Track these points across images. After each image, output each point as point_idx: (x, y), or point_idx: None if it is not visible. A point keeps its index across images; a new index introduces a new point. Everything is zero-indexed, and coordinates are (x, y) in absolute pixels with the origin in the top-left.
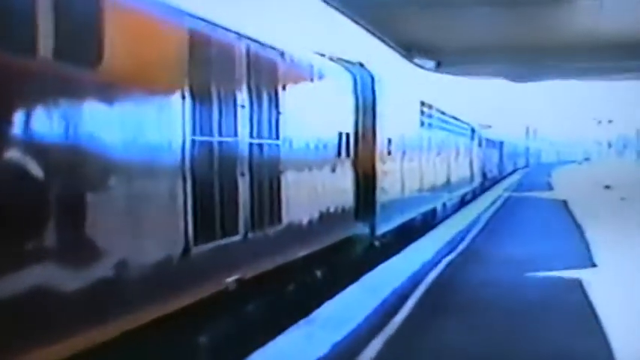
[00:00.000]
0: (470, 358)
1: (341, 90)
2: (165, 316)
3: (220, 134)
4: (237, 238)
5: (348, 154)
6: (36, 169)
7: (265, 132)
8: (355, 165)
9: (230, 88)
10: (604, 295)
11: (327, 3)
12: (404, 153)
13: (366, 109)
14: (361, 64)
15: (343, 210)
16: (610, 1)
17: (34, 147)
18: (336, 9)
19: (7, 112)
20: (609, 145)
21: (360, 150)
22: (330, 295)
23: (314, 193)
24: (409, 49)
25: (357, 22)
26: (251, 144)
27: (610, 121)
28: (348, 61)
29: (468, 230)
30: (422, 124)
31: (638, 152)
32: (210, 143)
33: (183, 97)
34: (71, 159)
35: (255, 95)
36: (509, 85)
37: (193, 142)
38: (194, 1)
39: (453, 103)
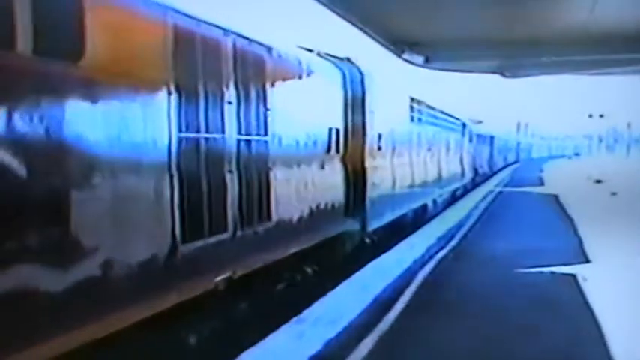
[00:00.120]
0: (461, 355)
1: (330, 86)
2: (152, 316)
3: (207, 131)
4: (225, 236)
5: (337, 150)
6: (16, 168)
7: (253, 128)
8: (345, 161)
9: (217, 84)
10: (598, 291)
11: None
12: (394, 149)
13: (356, 104)
14: (350, 60)
15: (333, 207)
16: None
17: (13, 145)
18: (324, 5)
19: None
20: (600, 140)
21: (350, 146)
22: (321, 292)
23: (303, 189)
24: (397, 45)
25: (345, 18)
26: (239, 141)
27: (601, 116)
28: (336, 57)
29: (459, 226)
30: (412, 119)
31: (628, 147)
32: (197, 140)
33: (169, 94)
34: (52, 157)
35: (242, 91)
36: (500, 80)
37: (179, 139)
38: None
39: (443, 98)
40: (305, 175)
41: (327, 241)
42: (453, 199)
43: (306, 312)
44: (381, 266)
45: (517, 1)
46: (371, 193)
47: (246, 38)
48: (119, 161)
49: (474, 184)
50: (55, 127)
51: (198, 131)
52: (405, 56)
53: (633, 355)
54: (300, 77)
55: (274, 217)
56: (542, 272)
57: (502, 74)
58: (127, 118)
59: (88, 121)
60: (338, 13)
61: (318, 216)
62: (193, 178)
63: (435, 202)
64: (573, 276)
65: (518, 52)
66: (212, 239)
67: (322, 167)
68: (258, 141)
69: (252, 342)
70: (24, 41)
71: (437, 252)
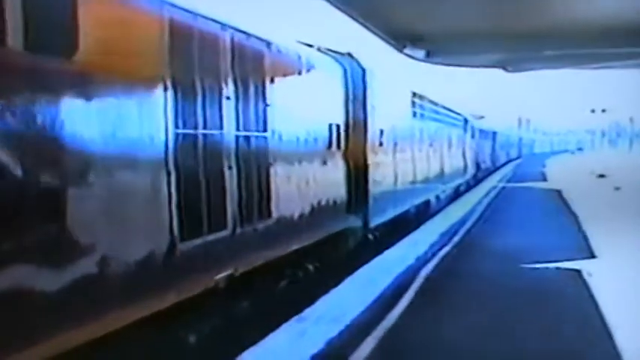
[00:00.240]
0: (462, 355)
1: (330, 81)
2: (152, 315)
3: (205, 127)
4: (225, 233)
5: (338, 146)
6: (9, 165)
7: (252, 124)
8: (346, 157)
9: (214, 79)
10: (605, 286)
11: None
12: (396, 144)
13: (357, 100)
14: (350, 55)
15: (335, 203)
16: None
17: (4, 142)
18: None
19: None
20: (603, 134)
21: (352, 142)
22: (324, 290)
23: (304, 186)
24: (398, 39)
25: (346, 13)
26: (237, 136)
27: (603, 110)
28: (337, 52)
29: (462, 222)
30: (414, 115)
31: (631, 141)
32: (195, 136)
33: (165, 89)
34: (46, 155)
35: (241, 87)
36: (502, 75)
37: (177, 135)
38: None
39: (445, 93)
40: (306, 172)
41: (329, 237)
42: (456, 194)
43: (308, 310)
44: (384, 263)
45: None
46: (373, 189)
47: (245, 33)
48: (114, 158)
49: (477, 180)
50: (48, 124)
51: (195, 127)
52: (406, 51)
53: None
54: (300, 72)
55: (275, 214)
56: (547, 268)
57: (504, 68)
58: (122, 114)
59: (81, 118)
60: (339, 8)
61: (319, 213)
62: (191, 174)
63: (437, 197)
64: (578, 271)
65: (520, 46)
66: (211, 237)
67: (323, 163)
68: (257, 137)
69: (254, 341)
70: (14, 36)
71: (440, 249)
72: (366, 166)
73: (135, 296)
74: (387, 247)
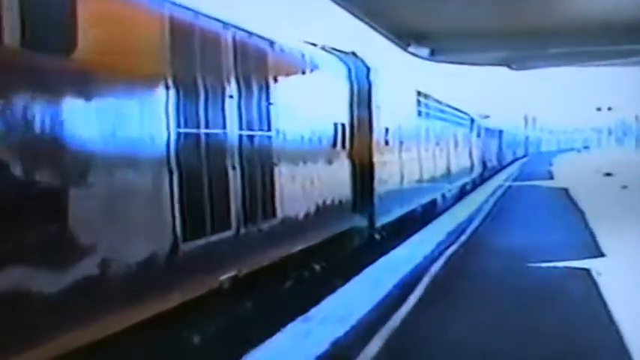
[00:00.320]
0: (469, 356)
1: (335, 80)
2: (155, 316)
3: (207, 126)
4: (229, 233)
5: (343, 145)
6: (5, 165)
7: (256, 123)
8: (352, 156)
9: (217, 78)
10: (614, 285)
11: None
12: (402, 143)
13: (362, 99)
14: (355, 54)
15: (340, 203)
16: None
17: (2, 141)
18: None
19: None
20: (609, 133)
21: (357, 141)
22: (330, 290)
23: (309, 185)
24: (403, 38)
25: (350, 12)
26: (241, 136)
27: (610, 109)
28: (341, 51)
29: (469, 221)
30: (419, 114)
31: (637, 139)
32: (198, 135)
33: (167, 88)
34: (44, 154)
35: (244, 85)
36: (507, 74)
37: (179, 134)
38: None
39: (450, 92)
40: (311, 171)
41: (335, 237)
42: (462, 193)
43: (313, 310)
44: (390, 263)
45: None
46: (378, 188)
47: (247, 31)
48: (114, 158)
49: (483, 179)
50: (45, 123)
51: (198, 126)
52: (411, 49)
53: None
54: (304, 71)
55: (279, 214)
56: (555, 267)
57: (509, 66)
58: (122, 113)
59: (80, 117)
60: (343, 7)
61: (324, 212)
62: (194, 174)
63: (444, 196)
64: (587, 270)
65: (524, 44)
66: (215, 237)
67: (328, 163)
68: (261, 136)
69: (258, 342)
70: (11, 33)
71: (447, 248)
72: (371, 165)
73: (136, 298)
74: (394, 247)
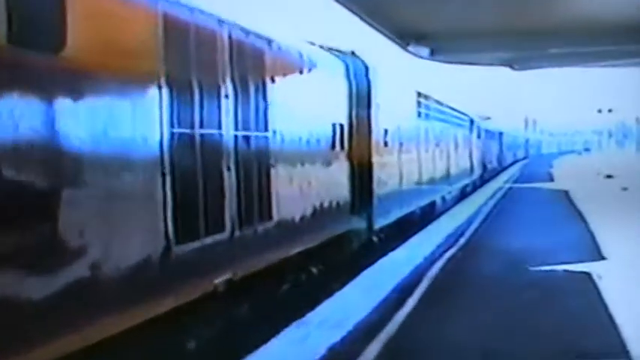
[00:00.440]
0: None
1: (334, 80)
2: (148, 321)
3: (202, 126)
4: (223, 236)
5: (342, 147)
6: None
7: (252, 124)
8: (350, 157)
9: (212, 77)
10: (615, 288)
11: None
12: (401, 145)
13: (361, 99)
14: (354, 54)
15: (338, 204)
16: None
17: None
18: None
19: None
20: (610, 135)
21: (355, 142)
22: (327, 293)
23: (307, 187)
24: (403, 37)
25: (350, 10)
26: (236, 136)
27: (610, 110)
28: (340, 51)
29: (469, 223)
30: (419, 115)
31: (638, 142)
32: (192, 136)
33: (160, 87)
34: (32, 154)
35: (240, 85)
36: (508, 74)
37: (172, 134)
38: None
39: (451, 93)
40: (308, 172)
41: (332, 239)
42: (462, 195)
43: (310, 314)
44: (389, 265)
45: None
46: (377, 190)
47: (244, 29)
48: (105, 158)
49: (483, 180)
50: (33, 122)
51: (192, 127)
52: (411, 48)
53: None
54: (302, 71)
55: (275, 216)
56: (555, 270)
57: (510, 66)
58: (113, 112)
59: (69, 116)
60: (344, 5)
61: (322, 214)
62: (188, 175)
63: (443, 198)
64: (588, 274)
65: (525, 44)
66: (209, 240)
67: (326, 164)
68: (257, 137)
69: (253, 347)
70: None
71: (445, 251)
72: (370, 167)
73: (127, 302)
74: (392, 249)
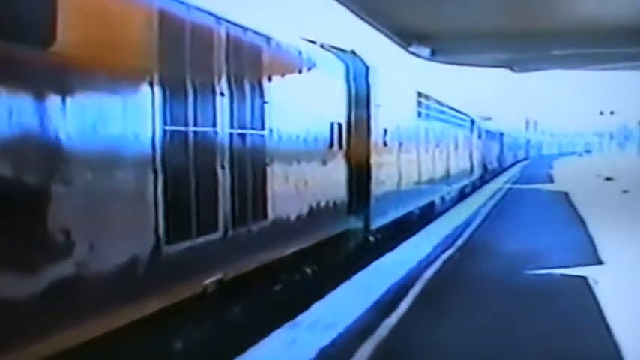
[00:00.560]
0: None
1: (333, 79)
2: (134, 322)
3: (196, 124)
4: (216, 235)
5: (340, 146)
6: None
7: (248, 122)
8: (348, 157)
9: (208, 74)
10: (612, 294)
11: None
12: (400, 145)
13: (360, 99)
14: (354, 53)
15: (335, 204)
16: None
17: None
18: None
19: None
20: (611, 137)
21: (354, 141)
22: (320, 295)
23: (303, 186)
24: (404, 37)
25: (352, 10)
26: (232, 135)
27: (612, 113)
28: (340, 50)
29: (467, 224)
30: (419, 115)
31: (639, 144)
32: (185, 134)
33: (152, 84)
34: (19, 152)
35: (236, 83)
36: (509, 75)
37: (164, 132)
38: None
39: (452, 93)
40: (305, 172)
41: (328, 239)
42: (462, 196)
43: (301, 316)
44: (384, 266)
45: None
46: (375, 190)
47: (242, 27)
48: (94, 156)
49: (483, 181)
50: (20, 119)
51: (186, 124)
52: (412, 49)
53: None
54: (300, 69)
55: (270, 216)
56: (551, 274)
57: (511, 68)
58: (104, 109)
59: (58, 113)
60: (345, 5)
61: (318, 214)
62: (180, 174)
63: (442, 199)
64: (584, 278)
65: (526, 46)
66: (200, 239)
67: (324, 163)
68: (253, 135)
69: (241, 350)
70: None
71: (443, 252)
72: (368, 167)
73: (114, 302)
74: (389, 250)
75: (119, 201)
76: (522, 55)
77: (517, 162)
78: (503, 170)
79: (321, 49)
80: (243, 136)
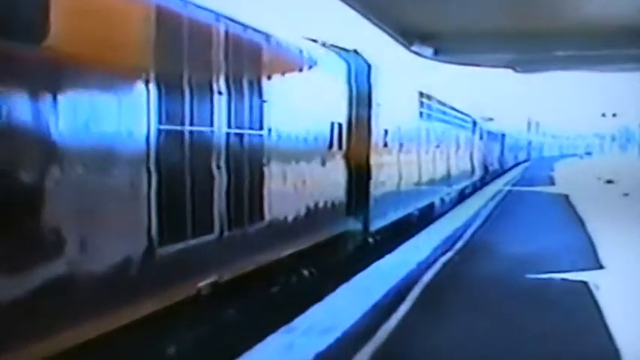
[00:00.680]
0: None
1: (333, 78)
2: (126, 326)
3: (192, 123)
4: (211, 237)
5: (340, 146)
6: None
7: (246, 121)
8: (348, 157)
9: (205, 72)
10: (613, 300)
11: None
12: (401, 145)
13: (361, 98)
14: (356, 52)
15: (334, 205)
16: None
17: None
18: None
19: None
20: (612, 139)
21: (354, 141)
22: (317, 298)
23: (301, 187)
24: (407, 37)
25: (354, 9)
26: (229, 134)
27: (614, 115)
28: (342, 49)
29: (467, 226)
30: (421, 115)
31: None
32: (181, 133)
33: (148, 81)
34: (8, 149)
35: (235, 81)
36: (512, 74)
37: (159, 131)
38: None
39: (454, 93)
40: (303, 172)
41: (327, 241)
42: (462, 197)
43: (298, 319)
44: (383, 268)
45: None
46: (375, 191)
47: (241, 24)
48: (86, 154)
49: (484, 182)
50: (11, 116)
51: (182, 123)
52: (414, 48)
53: None
54: (301, 68)
55: (267, 217)
56: (552, 278)
57: (513, 69)
58: (96, 107)
59: (50, 110)
60: (347, 3)
61: (316, 215)
62: (176, 174)
63: (442, 200)
64: (585, 283)
65: (529, 47)
66: (195, 241)
67: (323, 164)
68: (252, 135)
69: (236, 355)
70: None
71: (442, 254)
72: (368, 167)
73: (104, 305)
74: (388, 252)
75: (110, 201)
76: (525, 56)
77: (518, 163)
78: (504, 171)
79: (322, 48)
80: (240, 136)
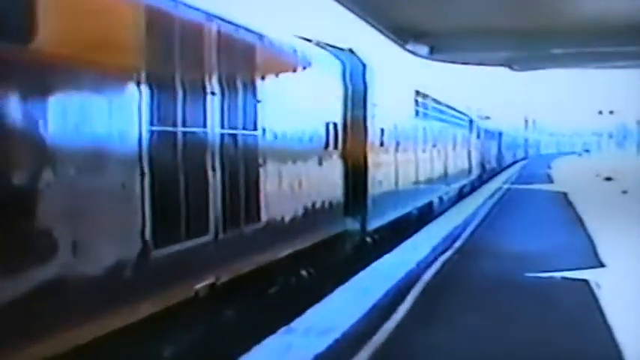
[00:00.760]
0: None
1: (328, 77)
2: (122, 329)
3: (185, 124)
4: (206, 238)
5: (336, 146)
6: None
7: (240, 122)
8: (344, 157)
9: (197, 73)
10: (614, 297)
11: None
12: (398, 144)
13: (357, 98)
14: (351, 51)
15: (331, 205)
16: None
17: None
18: None
19: None
20: (610, 136)
21: (350, 141)
22: (316, 298)
23: (298, 187)
24: (401, 35)
25: (348, 8)
26: (223, 135)
27: (611, 112)
28: (337, 48)
29: (465, 225)
30: (417, 114)
31: (638, 143)
32: (174, 134)
33: (139, 82)
34: None
35: (228, 81)
36: (509, 73)
37: (152, 132)
38: None
39: (450, 92)
40: (299, 173)
41: (325, 241)
42: (460, 196)
43: (297, 320)
44: (382, 269)
45: None
46: (372, 190)
47: (234, 24)
48: (78, 156)
49: (482, 181)
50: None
51: (174, 124)
52: (409, 47)
53: None
54: (295, 67)
55: (264, 218)
56: (552, 277)
57: (510, 67)
58: (86, 108)
59: (39, 112)
60: (341, 2)
61: (314, 215)
62: (169, 175)
63: (440, 199)
64: (586, 281)
65: (526, 44)
66: (190, 243)
67: (319, 164)
68: (246, 135)
69: (234, 357)
70: None
71: (442, 253)
72: (365, 167)
73: (100, 308)
74: (386, 252)
75: (103, 204)
76: (522, 54)
77: (516, 161)
78: (502, 170)
79: (316, 47)
80: (234, 137)
